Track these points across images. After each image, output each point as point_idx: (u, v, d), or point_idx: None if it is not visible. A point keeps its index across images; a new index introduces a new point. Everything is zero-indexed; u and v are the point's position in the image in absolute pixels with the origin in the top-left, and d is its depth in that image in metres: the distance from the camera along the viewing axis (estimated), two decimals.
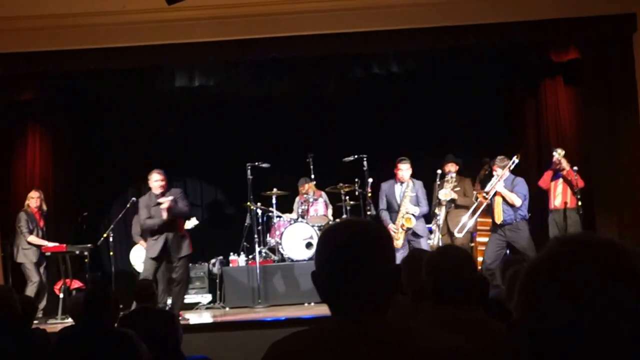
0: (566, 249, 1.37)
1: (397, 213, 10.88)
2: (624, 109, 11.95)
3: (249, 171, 11.89)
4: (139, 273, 11.58)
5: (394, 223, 10.84)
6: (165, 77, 12.75)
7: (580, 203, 11.28)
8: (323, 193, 12.66)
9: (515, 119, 13.93)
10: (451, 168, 11.56)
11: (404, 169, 10.94)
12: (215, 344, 8.61)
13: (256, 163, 11.96)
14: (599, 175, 12.10)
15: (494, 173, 10.84)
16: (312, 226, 11.89)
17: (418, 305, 3.49)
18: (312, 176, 12.42)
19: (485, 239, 11.14)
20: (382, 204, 11.15)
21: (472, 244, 11.44)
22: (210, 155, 13.98)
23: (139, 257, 11.74)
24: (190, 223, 11.73)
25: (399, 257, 10.48)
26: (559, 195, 11.54)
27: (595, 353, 1.29)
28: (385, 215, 11.10)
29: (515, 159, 10.85)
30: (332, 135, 13.51)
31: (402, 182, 10.97)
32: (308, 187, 12.46)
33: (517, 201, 10.55)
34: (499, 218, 10.58)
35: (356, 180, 11.91)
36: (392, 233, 10.59)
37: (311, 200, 12.20)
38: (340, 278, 2.05)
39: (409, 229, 10.79)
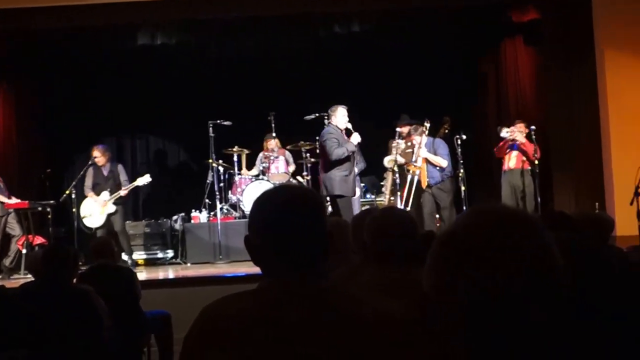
0: (482, 221, 1.39)
1: None
2: (582, 70, 12.05)
3: (210, 129, 11.90)
4: (88, 228, 11.49)
5: None
6: (127, 36, 12.62)
7: (537, 162, 11.39)
8: (286, 151, 12.68)
9: (475, 79, 14.00)
10: (404, 130, 11.49)
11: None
12: (175, 299, 8.65)
13: (218, 121, 11.95)
14: (556, 135, 12.22)
15: (413, 142, 11.17)
16: (274, 184, 11.92)
17: (365, 265, 3.54)
18: (274, 134, 12.42)
19: None
20: None
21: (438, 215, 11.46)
22: (173, 113, 13.90)
23: (89, 210, 11.63)
24: (143, 179, 11.66)
25: None
26: (514, 158, 11.63)
27: (513, 325, 1.32)
28: None
29: (427, 124, 11.12)
30: (294, 93, 13.48)
31: None
32: (275, 144, 12.46)
33: (444, 162, 10.99)
34: (424, 183, 11.00)
35: (317, 138, 11.93)
36: None
37: (272, 157, 12.22)
38: (278, 242, 2.08)
39: None
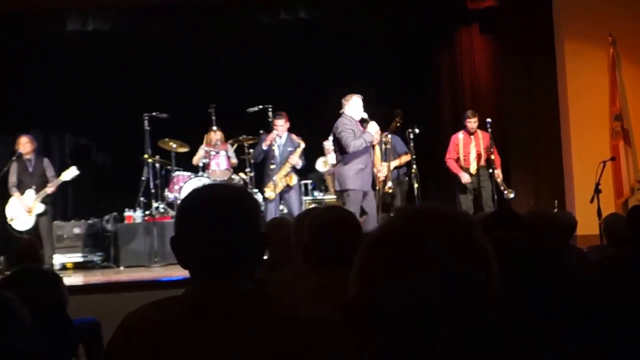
0: (411, 223, 1.40)
1: (277, 166, 11.17)
2: (542, 60, 12.21)
3: (146, 122, 11.82)
4: (18, 232, 11.31)
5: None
6: (55, 21, 12.45)
7: (493, 157, 11.45)
8: (228, 145, 12.61)
9: (428, 69, 14.02)
10: None
11: (279, 124, 11.29)
12: (106, 306, 8.57)
13: (154, 113, 11.88)
14: (514, 128, 12.37)
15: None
16: (214, 181, 11.87)
17: (306, 268, 3.54)
18: (215, 127, 12.35)
19: None
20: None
21: None
22: (105, 105, 13.68)
23: (16, 212, 11.40)
24: (69, 173, 11.36)
25: (273, 208, 10.41)
26: (474, 162, 11.58)
27: (441, 325, 1.34)
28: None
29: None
30: (236, 84, 13.41)
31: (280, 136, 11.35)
32: (219, 137, 12.36)
33: (408, 158, 11.34)
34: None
35: (261, 132, 11.91)
36: (271, 185, 11.13)
37: (213, 153, 12.15)
38: (205, 245, 2.09)
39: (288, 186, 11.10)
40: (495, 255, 1.50)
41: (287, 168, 11.12)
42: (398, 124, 11.67)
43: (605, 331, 2.31)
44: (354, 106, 10.17)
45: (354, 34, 13.45)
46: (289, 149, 11.25)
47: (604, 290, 2.44)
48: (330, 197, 12.12)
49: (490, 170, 11.44)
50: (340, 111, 10.25)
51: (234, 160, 12.51)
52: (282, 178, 11.08)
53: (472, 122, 11.60)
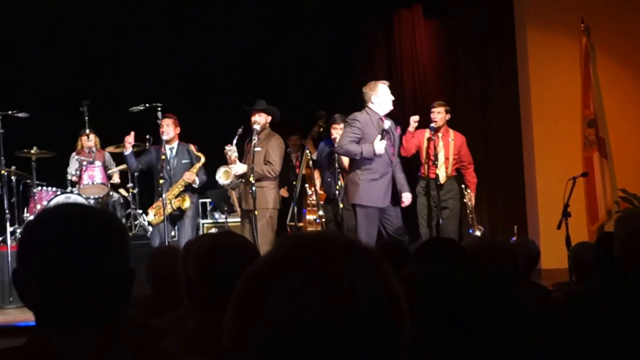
0: (296, 255, 1.40)
1: (167, 182, 10.89)
2: (499, 50, 12.34)
3: None
4: None
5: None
6: None
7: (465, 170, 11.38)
8: (107, 153, 12.53)
9: (360, 59, 14.02)
10: (258, 119, 10.64)
11: (165, 124, 10.96)
12: None
13: (9, 112, 11.72)
14: (465, 134, 12.45)
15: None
16: (87, 198, 11.77)
17: (191, 307, 3.54)
18: (87, 130, 12.25)
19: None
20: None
21: None
22: None
23: None
24: None
25: (160, 236, 10.50)
26: (441, 168, 11.07)
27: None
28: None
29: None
30: (116, 76, 13.33)
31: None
32: (94, 142, 12.25)
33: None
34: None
35: (147, 137, 11.85)
36: (158, 206, 10.81)
37: (85, 163, 12.02)
38: (51, 280, 2.06)
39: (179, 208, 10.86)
40: (421, 295, 1.51)
41: (179, 187, 10.87)
42: (321, 129, 11.71)
43: None
44: (382, 96, 9.90)
45: (271, 14, 13.44)
46: (184, 161, 10.99)
47: (560, 334, 2.50)
48: (236, 221, 12.01)
49: (463, 186, 11.16)
50: (367, 105, 9.95)
51: (116, 176, 12.42)
52: (172, 199, 10.82)
53: (434, 113, 11.13)
